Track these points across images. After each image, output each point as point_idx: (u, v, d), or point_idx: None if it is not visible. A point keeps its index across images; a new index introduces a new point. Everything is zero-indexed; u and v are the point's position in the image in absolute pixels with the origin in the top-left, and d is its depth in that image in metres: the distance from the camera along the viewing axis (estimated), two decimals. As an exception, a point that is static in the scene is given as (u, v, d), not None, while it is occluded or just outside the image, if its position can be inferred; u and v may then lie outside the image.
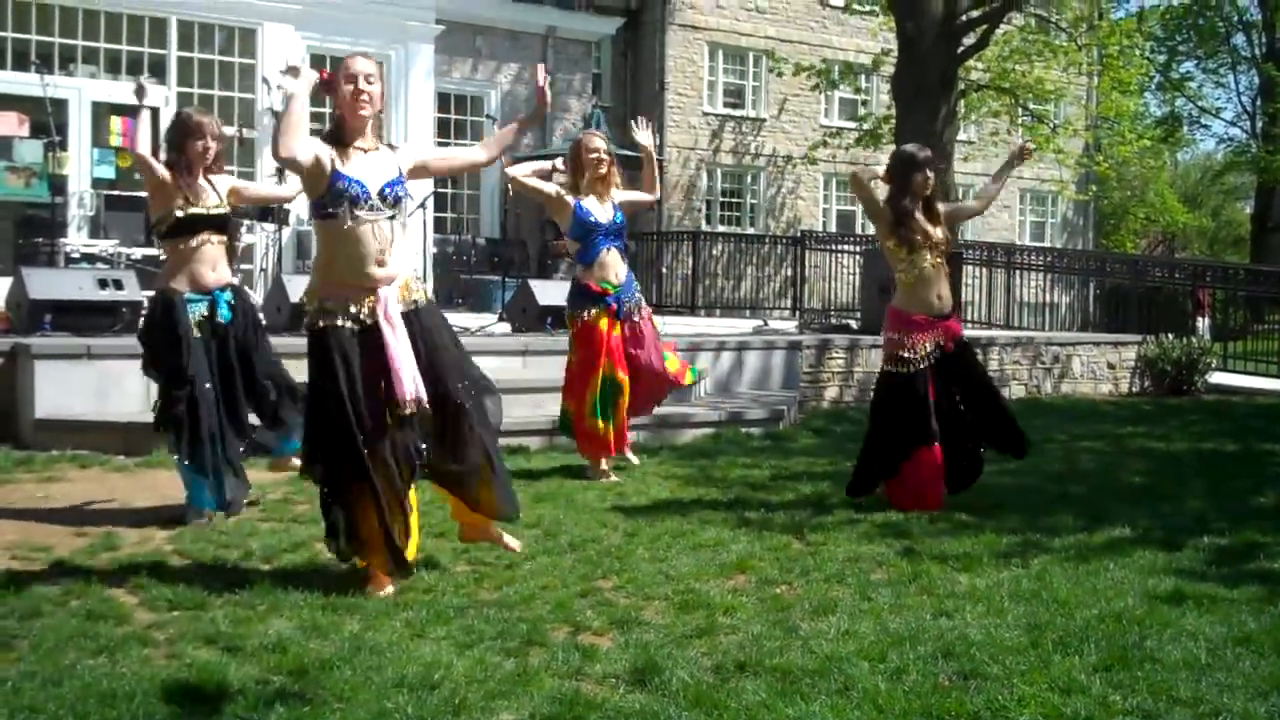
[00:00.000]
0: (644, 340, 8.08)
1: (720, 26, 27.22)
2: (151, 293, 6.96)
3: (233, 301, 6.57)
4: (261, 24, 15.98)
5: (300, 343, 9.92)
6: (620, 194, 8.09)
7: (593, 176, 7.90)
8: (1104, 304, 20.59)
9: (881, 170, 7.23)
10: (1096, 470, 8.78)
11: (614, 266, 7.99)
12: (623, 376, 7.95)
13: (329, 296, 5.15)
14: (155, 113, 6.50)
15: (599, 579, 5.35)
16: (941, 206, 7.34)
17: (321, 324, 5.13)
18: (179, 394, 6.34)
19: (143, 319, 6.59)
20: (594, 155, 7.88)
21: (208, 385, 6.38)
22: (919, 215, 7.08)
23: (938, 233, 7.10)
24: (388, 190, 5.17)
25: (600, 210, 7.93)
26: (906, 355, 7.05)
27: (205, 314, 6.46)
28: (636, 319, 8.07)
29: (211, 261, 6.55)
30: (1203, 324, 19.14)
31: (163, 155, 6.59)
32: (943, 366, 7.08)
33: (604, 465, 8.00)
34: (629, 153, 11.34)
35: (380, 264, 5.14)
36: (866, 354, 12.56)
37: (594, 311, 7.90)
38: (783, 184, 28.69)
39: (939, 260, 7.11)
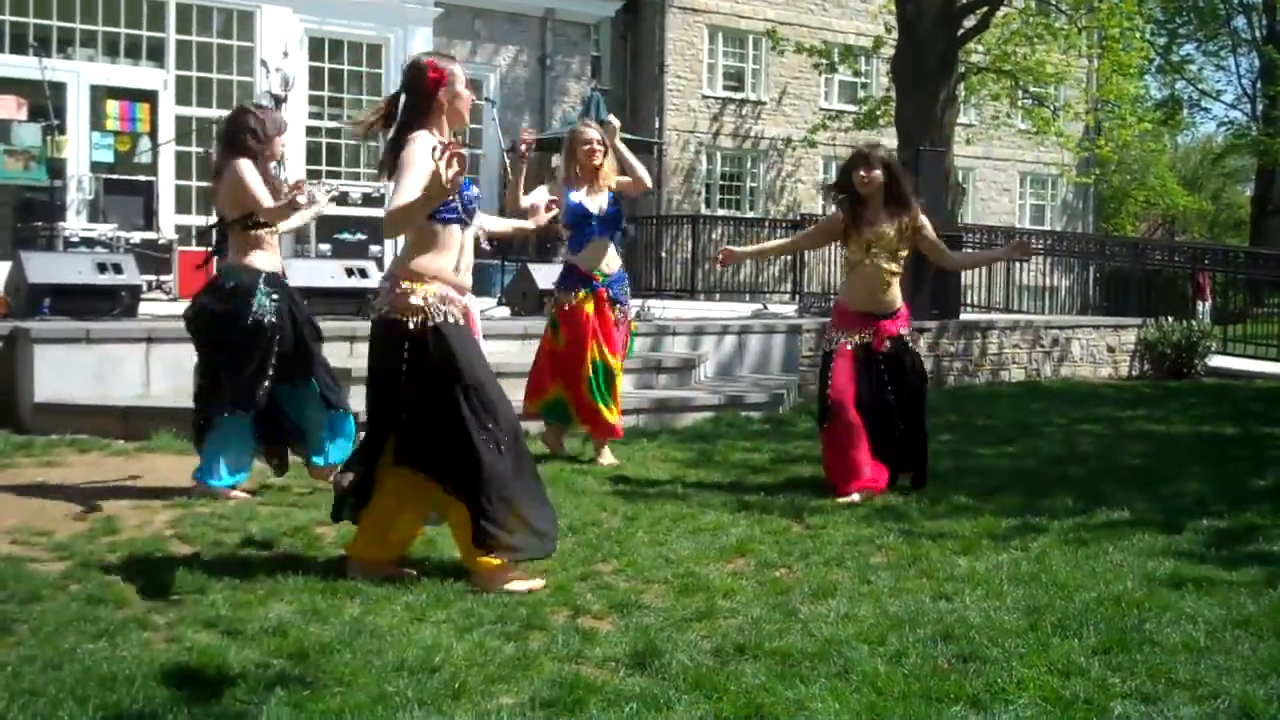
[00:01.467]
0: (612, 343, 7.99)
1: (720, 9, 27.15)
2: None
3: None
4: (260, 6, 15.94)
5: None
6: (616, 178, 8.02)
7: (586, 167, 7.89)
8: (1104, 287, 20.58)
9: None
10: (1096, 453, 8.78)
11: (604, 256, 7.97)
12: (614, 361, 7.95)
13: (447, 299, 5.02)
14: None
15: (599, 562, 5.35)
16: (924, 223, 7.19)
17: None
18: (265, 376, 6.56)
19: (232, 300, 6.59)
20: (586, 147, 7.87)
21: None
22: (869, 213, 7.01)
23: (889, 231, 6.99)
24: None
25: (592, 200, 7.90)
26: (829, 344, 7.14)
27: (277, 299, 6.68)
28: (615, 316, 7.99)
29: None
30: (1203, 307, 19.14)
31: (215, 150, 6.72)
32: (876, 364, 7.02)
33: (606, 450, 8.00)
34: (633, 137, 11.31)
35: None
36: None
37: (581, 294, 7.90)
38: (783, 167, 28.65)
39: (885, 263, 6.99)
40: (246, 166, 6.54)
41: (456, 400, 4.92)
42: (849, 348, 7.01)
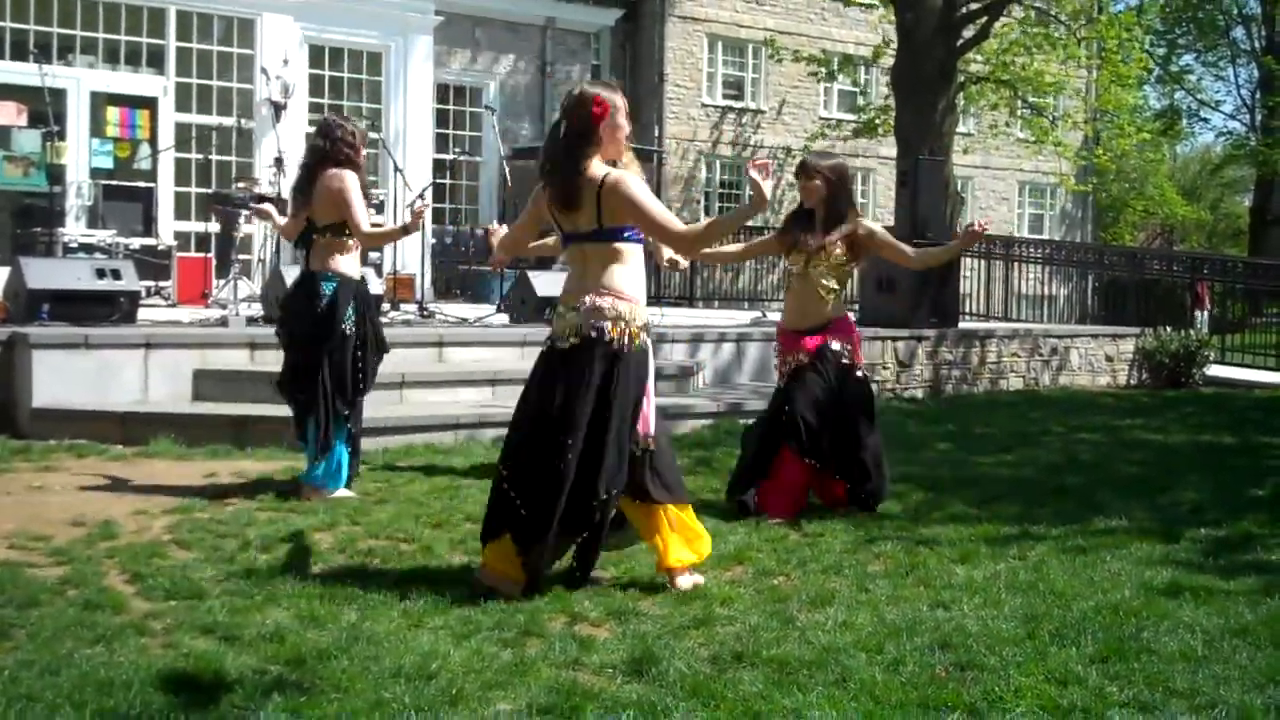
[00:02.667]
0: None
1: (720, 18, 27.19)
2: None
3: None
4: (260, 14, 15.95)
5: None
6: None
7: None
8: (1102, 296, 20.60)
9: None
10: (1094, 462, 8.79)
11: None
12: None
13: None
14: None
15: (596, 570, 5.35)
16: (874, 228, 6.94)
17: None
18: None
19: (344, 300, 6.86)
20: None
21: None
22: (813, 224, 6.76)
23: (832, 244, 6.69)
24: None
25: None
26: (777, 366, 7.03)
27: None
28: None
29: None
30: (1201, 317, 19.15)
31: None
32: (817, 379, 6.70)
33: None
34: (633, 145, 11.25)
35: None
36: (866, 346, 12.52)
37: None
38: (782, 176, 28.65)
39: (823, 278, 6.71)
40: (353, 181, 6.81)
41: (630, 418, 5.01)
42: (783, 370, 6.86)
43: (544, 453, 4.92)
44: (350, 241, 6.92)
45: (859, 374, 6.88)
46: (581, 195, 4.94)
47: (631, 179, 4.98)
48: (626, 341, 4.95)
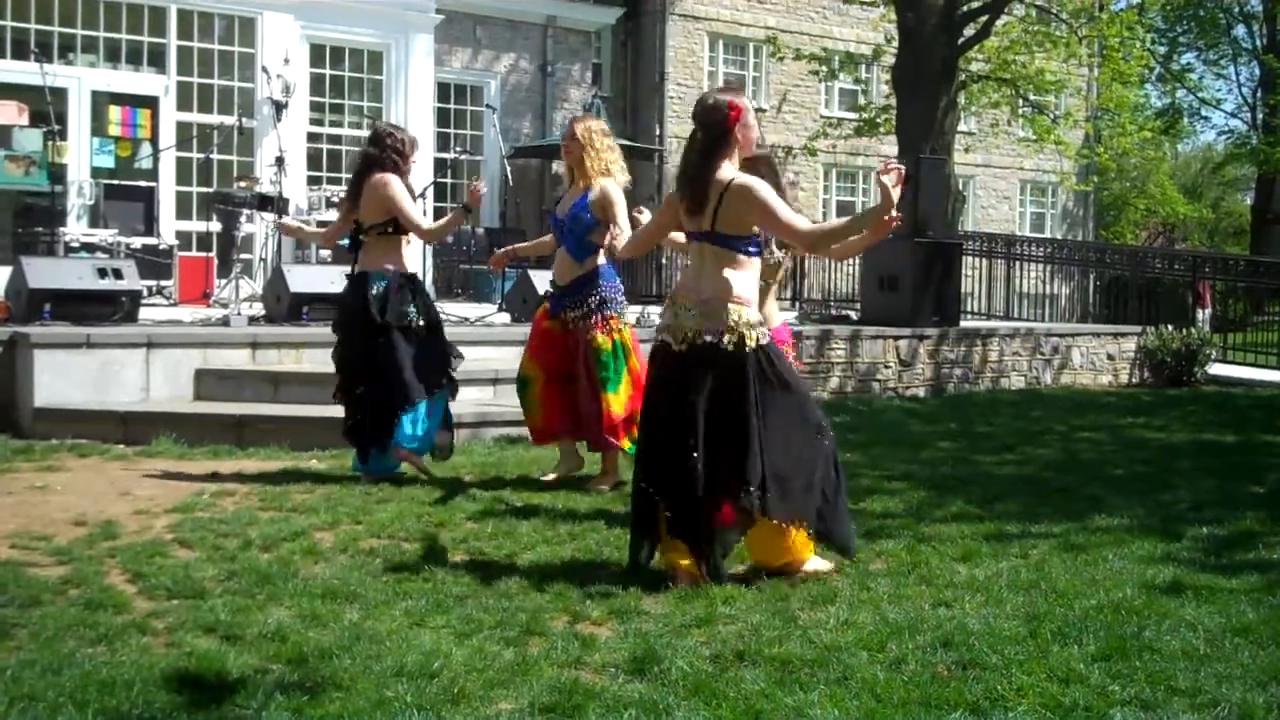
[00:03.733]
0: (573, 357, 7.30)
1: (721, 17, 27.17)
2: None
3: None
4: (261, 13, 15.95)
5: (299, 332, 9.95)
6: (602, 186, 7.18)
7: (567, 164, 7.41)
8: (1104, 295, 20.59)
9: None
10: (1095, 461, 8.78)
11: (560, 266, 7.39)
12: (531, 371, 7.38)
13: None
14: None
15: (598, 568, 5.35)
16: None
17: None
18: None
19: (396, 292, 7.32)
20: (563, 144, 7.43)
21: None
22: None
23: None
24: None
25: (563, 203, 7.42)
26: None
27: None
28: (571, 329, 7.27)
29: None
30: (1203, 315, 19.13)
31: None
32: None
33: (557, 466, 7.63)
34: (634, 144, 11.26)
35: None
36: (868, 345, 12.58)
37: (543, 303, 7.58)
38: (783, 175, 28.59)
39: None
40: (398, 184, 7.22)
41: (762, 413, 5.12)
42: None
43: (676, 455, 5.08)
44: (398, 239, 7.34)
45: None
46: (708, 197, 5.12)
47: (756, 183, 5.13)
48: (739, 341, 5.07)
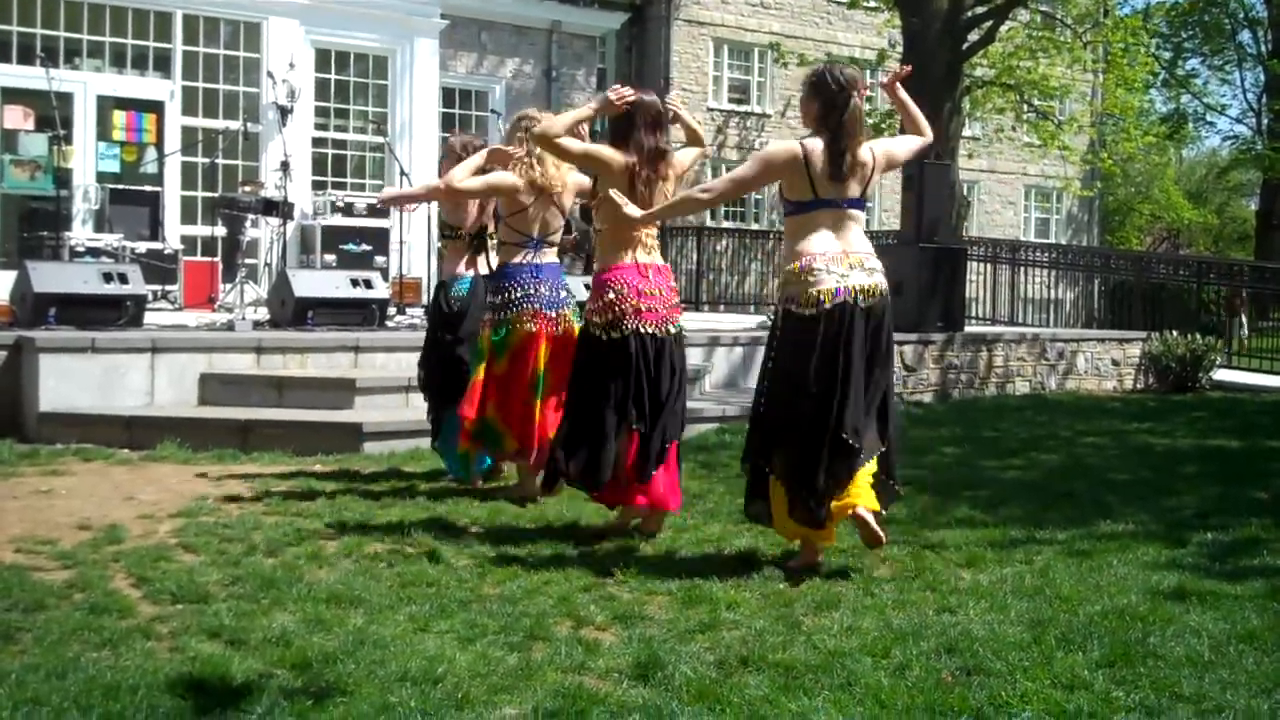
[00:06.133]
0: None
1: (725, 22, 27.19)
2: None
3: None
4: (266, 18, 15.98)
5: (304, 337, 9.95)
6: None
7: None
8: (1109, 300, 20.58)
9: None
10: (1100, 466, 8.77)
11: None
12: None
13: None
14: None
15: (602, 573, 5.35)
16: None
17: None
18: None
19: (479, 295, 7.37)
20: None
21: None
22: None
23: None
24: None
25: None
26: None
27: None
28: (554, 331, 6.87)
29: None
30: (1235, 324, 19.05)
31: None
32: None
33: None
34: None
35: None
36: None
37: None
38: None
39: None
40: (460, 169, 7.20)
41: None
42: None
43: (816, 417, 5.31)
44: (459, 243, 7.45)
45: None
46: (863, 165, 5.45)
47: (893, 141, 5.83)
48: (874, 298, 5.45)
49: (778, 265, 24.73)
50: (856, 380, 5.34)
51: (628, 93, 6.04)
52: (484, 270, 7.40)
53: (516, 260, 6.88)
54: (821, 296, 5.34)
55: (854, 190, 5.47)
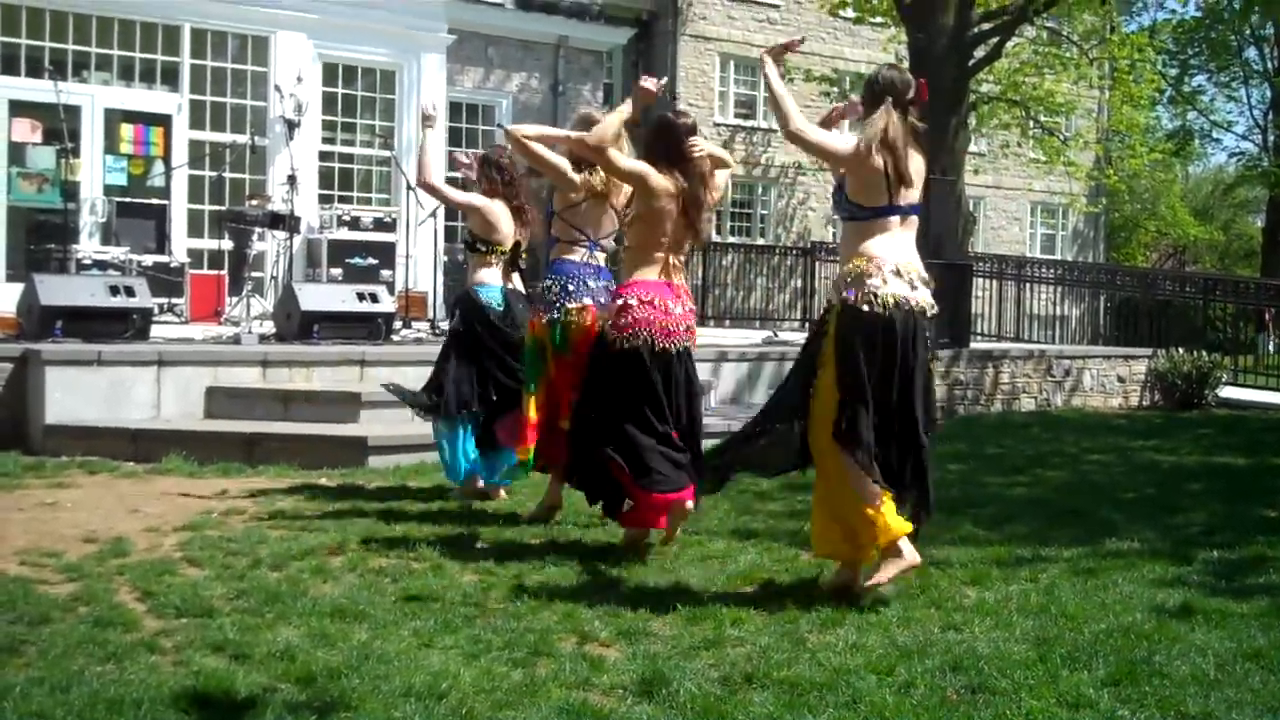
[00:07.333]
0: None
1: (731, 37, 27.26)
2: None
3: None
4: (274, 32, 16.02)
5: (309, 351, 9.96)
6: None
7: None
8: (1114, 317, 20.56)
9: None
10: (1106, 483, 8.76)
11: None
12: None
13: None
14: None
15: (607, 589, 5.35)
16: None
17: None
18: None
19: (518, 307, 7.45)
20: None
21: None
22: None
23: None
24: None
25: None
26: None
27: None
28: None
29: None
30: (1267, 340, 18.99)
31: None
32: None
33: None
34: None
35: None
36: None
37: None
38: (793, 195, 28.69)
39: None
40: (483, 203, 7.54)
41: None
42: None
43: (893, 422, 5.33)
44: (490, 256, 7.49)
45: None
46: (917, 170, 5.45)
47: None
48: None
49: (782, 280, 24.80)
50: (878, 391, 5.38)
51: (661, 80, 6.21)
52: (517, 285, 7.54)
53: (574, 258, 6.75)
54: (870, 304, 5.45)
55: (917, 195, 5.59)
